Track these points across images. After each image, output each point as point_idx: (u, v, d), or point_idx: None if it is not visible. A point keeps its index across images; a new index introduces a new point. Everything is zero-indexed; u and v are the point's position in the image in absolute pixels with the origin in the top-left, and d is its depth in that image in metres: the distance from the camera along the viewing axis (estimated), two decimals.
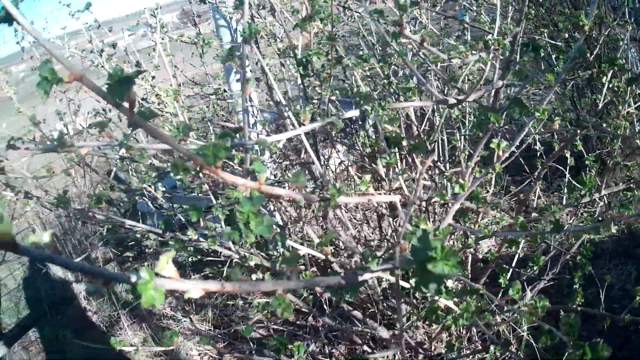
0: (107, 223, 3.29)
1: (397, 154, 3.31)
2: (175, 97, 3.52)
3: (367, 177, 1.84)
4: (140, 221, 5.93)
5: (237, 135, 2.53)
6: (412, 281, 1.79)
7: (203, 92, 5.58)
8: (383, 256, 3.30)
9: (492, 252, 2.92)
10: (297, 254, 1.38)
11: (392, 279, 2.21)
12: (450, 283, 1.86)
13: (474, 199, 2.21)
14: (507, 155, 2.20)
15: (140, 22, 4.89)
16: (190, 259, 4.01)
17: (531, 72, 2.32)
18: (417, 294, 3.50)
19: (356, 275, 1.30)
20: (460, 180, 2.11)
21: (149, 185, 3.84)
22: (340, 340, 4.36)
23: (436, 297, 1.86)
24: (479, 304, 2.00)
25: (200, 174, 1.25)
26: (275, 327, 4.66)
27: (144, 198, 4.46)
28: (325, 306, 4.08)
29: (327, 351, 4.34)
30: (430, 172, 3.63)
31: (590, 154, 3.15)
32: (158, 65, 4.38)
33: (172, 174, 1.48)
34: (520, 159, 4.11)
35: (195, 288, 1.00)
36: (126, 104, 1.12)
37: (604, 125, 2.89)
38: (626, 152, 5.79)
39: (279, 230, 3.94)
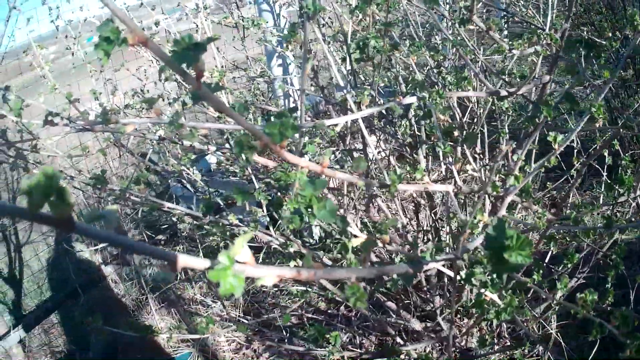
0: (144, 205, 3.27)
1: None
2: (220, 78, 3.52)
3: (422, 164, 1.83)
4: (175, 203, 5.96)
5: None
6: (463, 273, 1.78)
7: (247, 75, 5.57)
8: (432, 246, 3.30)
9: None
10: (372, 240, 1.37)
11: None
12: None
13: (524, 192, 2.21)
14: (561, 149, 2.18)
15: (181, 4, 4.90)
16: (222, 244, 3.99)
17: (582, 68, 2.31)
18: (450, 287, 3.49)
19: (421, 263, 1.29)
20: (516, 173, 2.11)
21: (187, 168, 3.85)
22: (371, 331, 4.35)
23: (482, 290, 1.85)
24: (519, 299, 2.00)
25: (252, 158, 1.23)
26: (308, 315, 4.64)
27: (180, 181, 4.46)
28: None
29: (358, 342, 4.33)
30: (475, 163, 3.62)
31: (626, 154, 3.13)
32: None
33: (235, 152, 1.46)
34: (557, 156, 4.09)
35: (270, 275, 0.98)
36: (193, 74, 1.06)
37: None
38: None
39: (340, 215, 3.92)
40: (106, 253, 6.16)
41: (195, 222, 3.30)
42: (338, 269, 1.16)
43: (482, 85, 3.28)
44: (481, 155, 3.72)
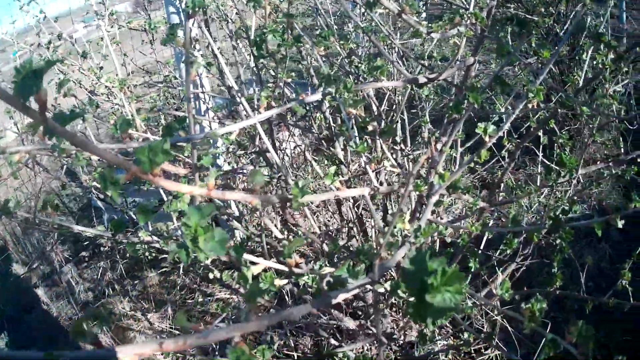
0: (55, 230, 3.10)
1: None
2: (121, 87, 3.32)
3: (332, 169, 1.65)
4: (95, 218, 5.77)
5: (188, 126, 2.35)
6: (387, 285, 1.60)
7: (152, 81, 5.40)
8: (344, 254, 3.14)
9: (464, 236, 2.76)
10: (259, 287, 1.17)
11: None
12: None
13: (454, 188, 2.04)
14: (493, 140, 2.01)
15: (91, 12, 4.73)
16: (147, 255, 3.85)
17: (512, 48, 2.14)
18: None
19: (329, 298, 1.10)
20: (440, 171, 1.92)
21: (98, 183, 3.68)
22: (305, 333, 4.23)
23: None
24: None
25: (116, 196, 1.08)
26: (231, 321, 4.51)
27: (97, 195, 4.28)
28: (287, 298, 3.94)
29: (293, 345, 4.19)
30: (393, 155, 3.49)
31: (563, 132, 3.03)
32: (107, 55, 4.19)
33: (101, 187, 1.26)
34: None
35: (126, 355, 0.81)
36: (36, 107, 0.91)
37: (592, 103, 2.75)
38: (597, 129, 5.72)
39: (236, 240, 3.78)
40: (38, 272, 6.00)
41: (114, 239, 3.12)
42: (216, 331, 0.96)
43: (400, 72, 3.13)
44: (402, 146, 3.57)
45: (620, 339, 3.93)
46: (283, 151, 4.45)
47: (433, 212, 3.48)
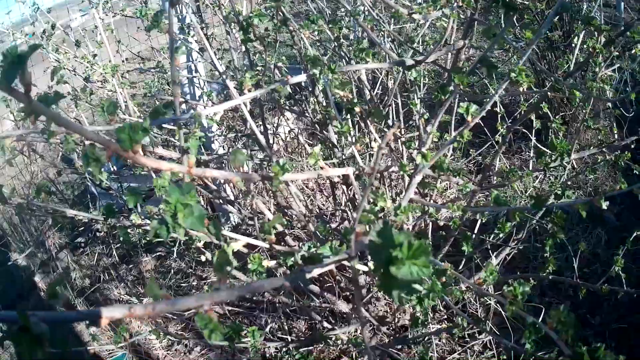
0: (50, 214, 3.12)
1: (350, 120, 3.19)
2: (113, 73, 3.33)
3: (317, 148, 1.65)
4: (90, 204, 5.76)
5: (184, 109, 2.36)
6: (371, 264, 1.61)
7: (145, 67, 5.40)
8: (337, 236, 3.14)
9: (455, 220, 2.76)
10: (227, 258, 1.18)
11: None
12: None
13: (439, 168, 2.04)
14: (476, 120, 2.01)
15: (87, 1, 4.73)
16: (142, 240, 3.85)
17: (501, 30, 2.14)
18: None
19: (304, 273, 1.10)
20: (423, 150, 1.92)
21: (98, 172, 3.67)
22: (299, 316, 4.23)
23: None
24: (444, 279, 1.82)
25: (97, 173, 1.10)
26: (230, 308, 4.55)
27: (92, 180, 4.28)
28: None
29: (287, 328, 4.20)
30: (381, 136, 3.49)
31: (557, 117, 3.03)
32: (101, 43, 4.18)
33: (84, 165, 1.28)
34: (480, 121, 4.00)
35: (97, 318, 0.82)
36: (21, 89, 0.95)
37: (581, 87, 2.75)
38: (590, 115, 5.71)
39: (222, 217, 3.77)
40: (35, 259, 5.98)
41: (108, 223, 3.13)
42: (185, 299, 0.97)
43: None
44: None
45: (617, 327, 3.92)
46: (277, 135, 4.46)
47: (426, 196, 3.48)
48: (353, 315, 3.63)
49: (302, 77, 2.09)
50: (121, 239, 2.91)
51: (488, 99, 2.11)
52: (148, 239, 3.44)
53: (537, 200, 1.59)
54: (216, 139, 4.62)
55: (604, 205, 1.62)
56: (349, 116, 2.64)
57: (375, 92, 3.59)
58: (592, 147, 3.15)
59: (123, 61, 5.02)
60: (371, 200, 1.61)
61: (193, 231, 2.84)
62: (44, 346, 0.88)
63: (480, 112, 1.92)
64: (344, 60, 3.27)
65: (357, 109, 2.37)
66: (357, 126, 3.58)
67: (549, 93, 2.59)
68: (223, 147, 4.64)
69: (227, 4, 3.65)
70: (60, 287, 0.93)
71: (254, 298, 4.53)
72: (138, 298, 5.08)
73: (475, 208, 2.11)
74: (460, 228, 3.03)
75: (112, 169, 4.47)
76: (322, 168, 1.61)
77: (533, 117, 3.22)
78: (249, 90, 2.09)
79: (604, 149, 3.06)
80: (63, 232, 6.35)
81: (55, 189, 5.93)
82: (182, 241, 3.56)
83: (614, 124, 5.42)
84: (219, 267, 1.17)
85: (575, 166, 4.68)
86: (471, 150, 4.61)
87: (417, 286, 1.70)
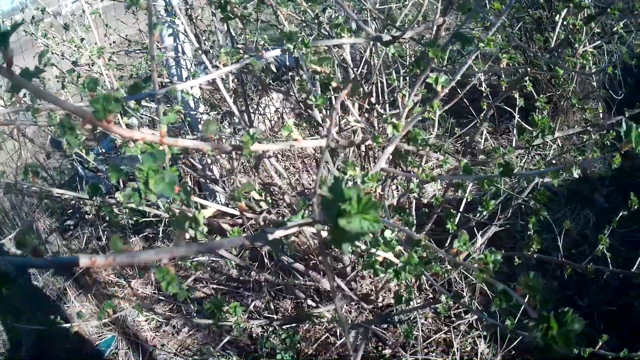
0: (37, 195, 3.15)
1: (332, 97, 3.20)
2: (99, 55, 3.35)
3: (290, 121, 1.67)
4: (79, 187, 5.78)
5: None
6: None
7: (132, 49, 5.41)
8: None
9: (438, 197, 2.78)
10: (185, 215, 1.21)
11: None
12: (389, 233, 1.68)
13: (413, 140, 2.05)
14: (445, 91, 2.01)
15: None
16: (130, 221, 3.88)
17: (474, 4, 2.14)
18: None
19: (265, 234, 1.12)
20: (394, 121, 1.93)
21: (80, 149, 3.70)
22: (285, 295, 4.24)
23: (373, 250, 1.69)
24: (424, 254, 1.83)
25: (73, 141, 1.13)
26: (216, 286, 4.59)
27: (81, 162, 4.29)
28: (266, 260, 3.96)
29: (273, 307, 4.21)
30: (368, 114, 3.49)
31: (541, 96, 3.04)
32: (89, 27, 4.19)
33: (60, 135, 1.32)
34: (466, 101, 4.01)
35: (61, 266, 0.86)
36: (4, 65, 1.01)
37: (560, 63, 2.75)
38: (580, 96, 5.73)
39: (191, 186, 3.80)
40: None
41: (95, 204, 3.15)
42: (145, 252, 1.00)
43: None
44: (376, 106, 3.57)
45: (605, 309, 3.94)
46: (264, 115, 4.47)
47: (409, 173, 3.49)
48: (337, 293, 3.64)
49: (276, 52, 2.10)
50: (107, 218, 2.93)
51: (475, 78, 2.13)
52: (135, 219, 3.47)
53: (505, 168, 1.60)
54: (202, 120, 4.63)
55: (575, 173, 1.61)
56: (331, 92, 2.64)
57: (360, 71, 3.59)
58: (577, 127, 3.16)
59: (110, 44, 5.03)
60: (341, 169, 1.63)
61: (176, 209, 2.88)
62: (8, 283, 0.92)
63: (450, 83, 1.93)
64: (322, 37, 3.28)
65: (333, 84, 2.39)
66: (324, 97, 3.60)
67: (528, 69, 2.59)
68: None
69: None
70: (29, 235, 0.97)
71: (241, 278, 4.55)
72: (126, 279, 5.10)
73: (445, 177, 2.11)
74: (443, 206, 3.05)
75: (100, 151, 4.49)
76: (296, 140, 1.62)
77: (517, 95, 3.23)
78: (224, 65, 2.10)
79: (589, 128, 3.08)
80: (53, 216, 6.38)
81: (44, 172, 5.95)
82: (167, 221, 3.57)
83: (605, 106, 5.45)
84: (178, 224, 1.19)
85: (562, 146, 4.70)
86: (457, 129, 4.63)
87: (393, 258, 1.72)
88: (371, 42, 3.21)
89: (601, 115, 4.53)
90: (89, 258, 0.93)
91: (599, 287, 4.08)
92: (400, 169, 3.10)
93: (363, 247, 1.65)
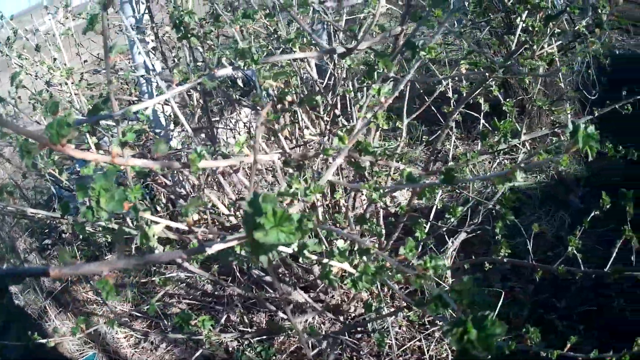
0: (12, 214, 3.17)
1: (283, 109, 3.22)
2: (67, 76, 3.37)
3: (242, 137, 1.68)
4: (56, 207, 5.78)
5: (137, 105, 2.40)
6: (294, 247, 1.65)
7: (99, 68, 5.44)
8: None
9: (402, 205, 2.80)
10: (121, 229, 1.25)
11: None
12: (341, 243, 1.70)
13: (365, 151, 2.06)
14: (389, 102, 2.02)
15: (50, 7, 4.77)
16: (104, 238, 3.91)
17: (425, 12, 2.17)
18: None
19: (202, 247, 1.15)
20: (339, 132, 1.95)
21: (53, 169, 3.71)
22: (259, 308, 4.27)
23: (325, 260, 1.71)
24: (383, 262, 1.84)
25: (29, 163, 1.19)
26: (190, 301, 4.68)
27: (56, 182, 4.30)
28: (238, 274, 3.97)
29: (247, 320, 4.23)
30: (329, 127, 3.50)
31: (508, 100, 3.06)
32: (59, 47, 4.22)
33: (20, 158, 1.36)
34: (435, 110, 4.04)
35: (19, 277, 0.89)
36: None
37: (520, 67, 2.77)
38: (553, 98, 5.77)
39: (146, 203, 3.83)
40: (8, 263, 6.02)
41: (71, 223, 3.18)
42: (88, 264, 1.04)
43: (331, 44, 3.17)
44: (341, 117, 3.59)
45: (583, 309, 3.95)
46: (234, 130, 4.49)
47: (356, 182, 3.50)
48: (309, 305, 3.66)
49: (228, 70, 2.13)
50: (81, 237, 2.95)
51: (441, 86, 2.15)
52: (110, 238, 3.49)
53: (447, 174, 1.61)
54: (174, 136, 4.65)
55: (519, 177, 1.62)
56: (277, 105, 2.67)
57: (325, 83, 3.60)
58: (544, 129, 3.18)
59: (82, 63, 5.05)
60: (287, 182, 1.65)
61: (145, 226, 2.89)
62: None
63: (393, 92, 1.94)
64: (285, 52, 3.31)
65: (288, 98, 2.41)
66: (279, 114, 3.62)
67: (487, 74, 2.61)
68: (181, 142, 4.67)
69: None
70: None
71: (215, 292, 4.57)
72: (102, 297, 5.12)
73: (388, 187, 2.14)
74: (410, 214, 3.07)
75: (74, 170, 4.51)
76: (246, 155, 1.65)
77: (481, 100, 3.25)
78: (177, 85, 2.13)
79: (556, 129, 3.10)
80: (33, 236, 6.39)
81: (20, 192, 5.96)
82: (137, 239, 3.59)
83: (579, 107, 5.48)
84: (116, 238, 1.25)
85: (531, 149, 4.73)
86: (425, 137, 4.67)
87: (349, 268, 1.74)
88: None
89: (569, 116, 4.55)
90: (42, 270, 0.98)
91: (576, 288, 4.10)
92: (364, 180, 3.12)
93: (313, 257, 1.67)
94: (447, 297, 1.31)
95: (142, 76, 4.54)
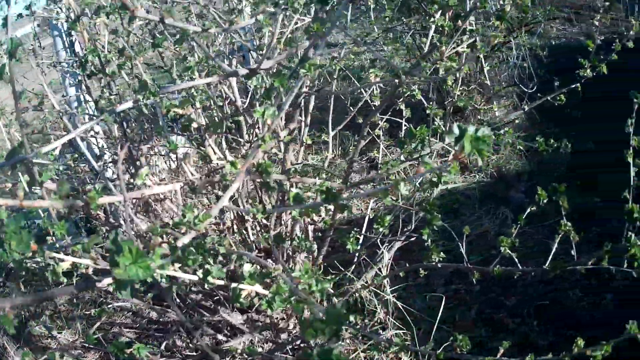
0: None
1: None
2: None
3: (144, 171, 1.72)
4: None
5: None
6: (200, 273, 1.70)
7: (31, 105, 5.44)
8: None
9: (327, 220, 2.84)
10: (21, 264, 1.32)
11: None
12: (248, 267, 1.74)
13: (265, 172, 2.08)
14: (276, 123, 2.05)
15: None
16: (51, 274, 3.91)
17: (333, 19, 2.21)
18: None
19: (92, 281, 1.21)
20: (231, 158, 2.00)
21: None
22: (202, 332, 4.29)
23: (234, 284, 1.75)
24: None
25: None
26: (136, 330, 4.68)
27: None
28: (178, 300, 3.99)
29: (194, 345, 4.25)
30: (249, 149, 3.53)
31: (431, 103, 3.09)
32: None
33: None
34: (361, 119, 4.09)
35: None
36: None
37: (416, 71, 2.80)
38: (487, 96, 5.84)
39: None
40: None
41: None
42: None
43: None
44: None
45: (536, 304, 3.93)
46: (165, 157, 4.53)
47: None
48: (246, 326, 3.68)
49: (128, 104, 2.16)
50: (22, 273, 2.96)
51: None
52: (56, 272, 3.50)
53: (327, 193, 1.63)
54: (109, 168, 4.65)
55: (403, 190, 1.64)
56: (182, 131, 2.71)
57: (246, 106, 3.61)
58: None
59: (17, 99, 5.05)
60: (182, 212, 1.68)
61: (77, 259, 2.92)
62: None
63: (278, 115, 1.97)
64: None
65: (194, 125, 2.46)
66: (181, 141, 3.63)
67: (397, 81, 2.64)
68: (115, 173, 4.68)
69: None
70: None
71: (161, 319, 4.59)
72: (57, 331, 5.12)
73: (276, 209, 2.19)
74: (335, 227, 3.10)
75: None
76: (149, 187, 1.70)
77: (403, 107, 3.28)
78: (82, 124, 2.18)
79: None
80: None
81: None
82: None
83: (517, 101, 5.56)
84: (14, 278, 1.32)
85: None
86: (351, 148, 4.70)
87: (261, 290, 1.79)
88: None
89: (497, 113, 4.62)
90: None
91: (525, 284, 4.11)
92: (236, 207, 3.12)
93: (219, 282, 1.71)
94: (322, 326, 1.33)
95: (64, 112, 4.55)
